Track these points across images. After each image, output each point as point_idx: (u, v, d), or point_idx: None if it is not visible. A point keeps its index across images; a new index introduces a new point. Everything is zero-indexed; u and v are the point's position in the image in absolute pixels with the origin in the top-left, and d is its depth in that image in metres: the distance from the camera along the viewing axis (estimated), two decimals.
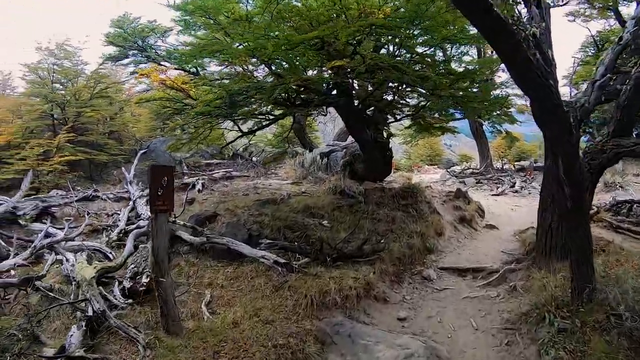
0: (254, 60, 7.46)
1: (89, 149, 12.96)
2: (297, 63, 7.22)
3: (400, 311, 6.29)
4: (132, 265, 6.33)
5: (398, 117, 10.80)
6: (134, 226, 8.34)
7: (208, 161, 16.45)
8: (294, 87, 7.61)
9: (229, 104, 7.64)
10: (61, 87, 13.84)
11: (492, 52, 14.62)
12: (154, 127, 16.77)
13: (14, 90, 20.86)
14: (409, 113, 10.40)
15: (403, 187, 10.56)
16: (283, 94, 7.71)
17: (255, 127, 10.46)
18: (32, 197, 9.56)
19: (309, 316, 5.56)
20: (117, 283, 5.84)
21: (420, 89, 8.46)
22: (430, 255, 8.31)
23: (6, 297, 5.50)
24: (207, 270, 6.78)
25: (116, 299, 5.36)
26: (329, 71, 7.97)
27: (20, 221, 8.29)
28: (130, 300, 5.40)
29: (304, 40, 6.10)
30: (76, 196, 10.02)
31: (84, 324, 4.51)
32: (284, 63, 7.47)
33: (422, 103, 9.75)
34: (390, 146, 11.17)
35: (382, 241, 7.81)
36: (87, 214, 9.23)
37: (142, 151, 13.65)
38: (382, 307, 6.32)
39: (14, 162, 11.20)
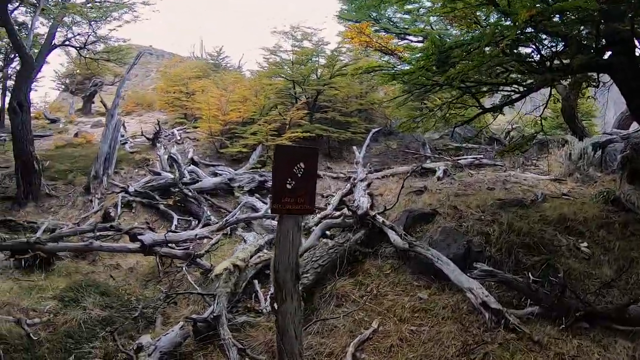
0: None
1: (327, 127, 13.04)
2: None
3: None
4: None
5: None
6: (338, 214, 7.50)
7: (458, 145, 14.65)
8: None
9: (439, 62, 5.64)
10: (302, 66, 14.37)
11: None
12: (410, 107, 15.85)
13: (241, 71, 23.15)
14: None
15: None
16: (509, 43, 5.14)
17: (502, 102, 7.95)
18: (251, 170, 10.05)
19: None
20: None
21: None
22: None
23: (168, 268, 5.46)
24: (393, 288, 5.28)
25: (254, 304, 4.52)
26: None
27: (235, 192, 8.71)
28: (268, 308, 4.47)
29: None
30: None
31: (190, 326, 3.78)
32: None
33: None
34: None
35: None
36: None
37: (375, 129, 12.88)
38: None
39: (248, 136, 12.18)
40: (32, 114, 21.21)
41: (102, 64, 16.25)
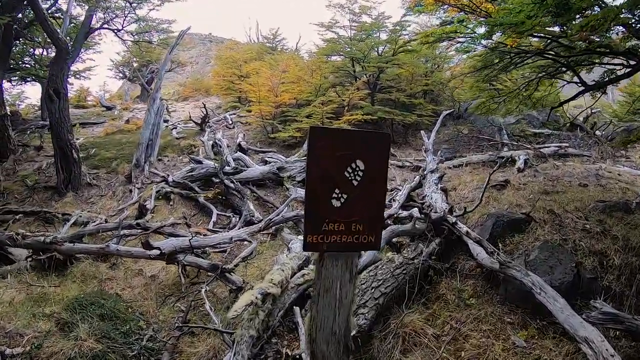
0: None
1: (390, 109, 11.49)
2: None
3: None
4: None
5: None
6: (405, 214, 6.02)
7: (537, 130, 12.81)
8: None
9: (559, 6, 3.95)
10: (361, 43, 12.91)
11: None
12: (479, 87, 13.99)
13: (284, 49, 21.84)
14: None
15: None
16: None
17: (606, 79, 6.11)
18: (304, 158, 8.75)
19: None
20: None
21: None
22: None
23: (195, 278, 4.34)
24: (478, 325, 3.84)
25: (291, 343, 3.24)
26: None
27: (284, 183, 7.50)
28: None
29: None
30: None
31: None
32: None
33: None
34: None
35: None
36: None
37: (446, 112, 11.17)
38: None
39: (302, 119, 10.90)
40: (90, 102, 21.92)
41: (160, 51, 15.76)
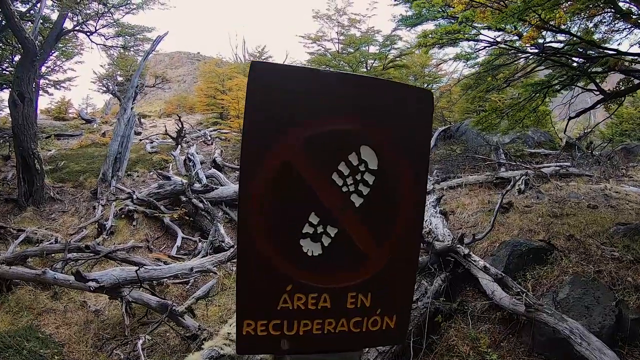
0: None
1: None
2: None
3: None
4: None
5: None
6: None
7: (533, 150, 12.24)
8: None
9: None
10: (350, 55, 12.39)
11: None
12: (468, 109, 13.64)
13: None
14: None
15: None
16: None
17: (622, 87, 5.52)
18: None
19: None
20: None
21: None
22: None
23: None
24: None
25: None
26: None
27: None
28: None
29: None
30: None
31: None
32: None
33: None
34: None
35: None
36: None
37: (441, 128, 10.45)
38: None
39: None
40: (71, 114, 20.97)
41: (145, 67, 15.10)
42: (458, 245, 4.24)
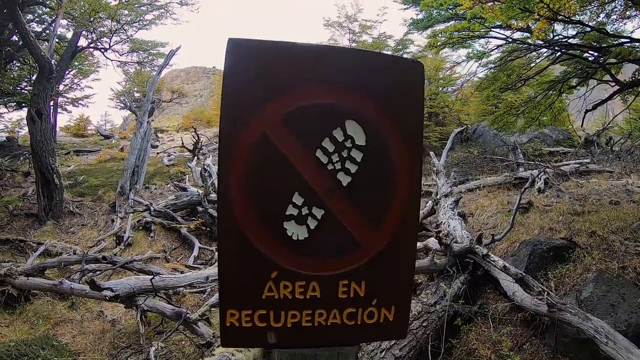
0: None
1: None
2: None
3: None
4: None
5: None
6: (419, 246, 5.04)
7: (551, 149, 12.17)
8: None
9: None
10: None
11: None
12: (484, 110, 13.50)
13: None
14: None
15: None
16: None
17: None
18: None
19: None
20: None
21: None
22: None
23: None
24: None
25: None
26: None
27: None
28: None
29: None
30: None
31: None
32: None
33: None
34: None
35: None
36: None
37: (457, 130, 10.33)
38: None
39: None
40: (90, 131, 21.55)
41: (160, 82, 15.38)
42: (476, 246, 4.12)
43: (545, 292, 3.31)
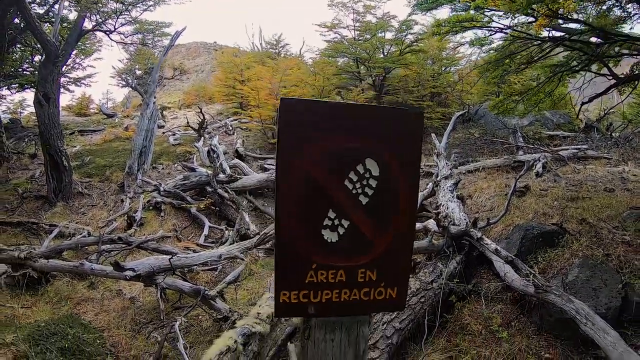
0: None
1: None
2: None
3: None
4: None
5: None
6: (419, 226, 5.34)
7: (551, 133, 12.17)
8: None
9: None
10: (367, 42, 12.40)
11: None
12: (486, 91, 13.48)
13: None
14: None
15: None
16: None
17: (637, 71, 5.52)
18: None
19: None
20: None
21: None
22: None
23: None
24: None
25: None
26: None
27: None
28: None
29: None
30: None
31: None
32: None
33: None
34: None
35: None
36: None
37: (459, 113, 10.47)
38: None
39: None
40: (92, 110, 21.58)
41: (165, 59, 15.37)
42: (472, 229, 4.41)
43: (532, 275, 3.60)
